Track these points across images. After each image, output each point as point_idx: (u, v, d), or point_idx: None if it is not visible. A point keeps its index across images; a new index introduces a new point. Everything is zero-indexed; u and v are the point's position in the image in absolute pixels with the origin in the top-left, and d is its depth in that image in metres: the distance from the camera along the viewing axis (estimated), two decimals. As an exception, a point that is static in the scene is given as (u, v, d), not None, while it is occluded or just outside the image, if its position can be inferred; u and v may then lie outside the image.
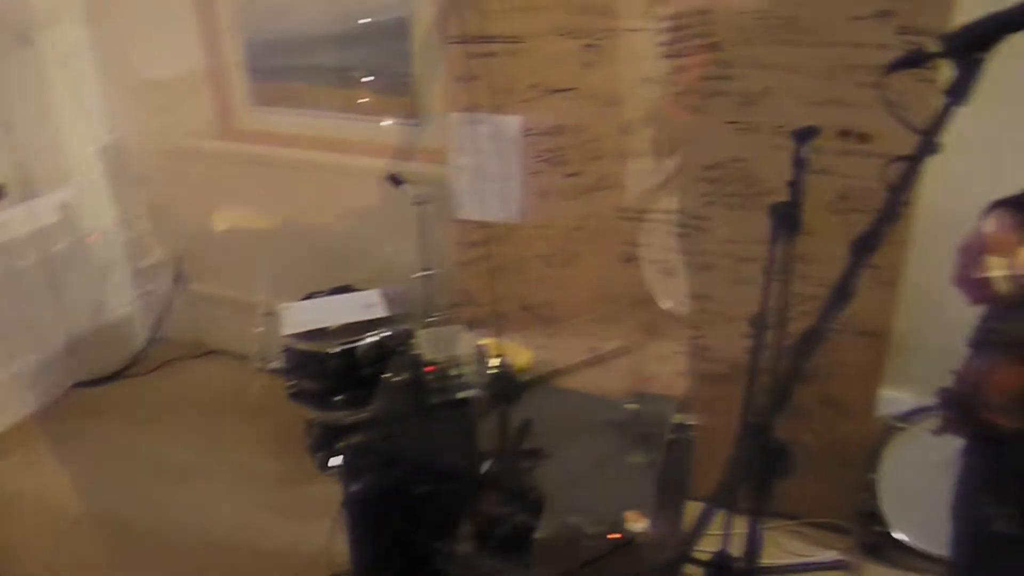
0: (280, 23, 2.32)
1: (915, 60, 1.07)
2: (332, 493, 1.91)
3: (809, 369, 1.18)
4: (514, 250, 2.35)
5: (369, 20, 2.41)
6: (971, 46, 1.01)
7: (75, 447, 2.60)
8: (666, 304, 2.33)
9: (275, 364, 2.47)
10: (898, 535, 2.09)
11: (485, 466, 1.75)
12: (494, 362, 1.96)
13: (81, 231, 2.83)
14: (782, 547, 2.20)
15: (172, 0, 2.55)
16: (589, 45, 2.13)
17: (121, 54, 2.64)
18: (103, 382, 2.92)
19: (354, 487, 1.78)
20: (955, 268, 1.24)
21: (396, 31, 2.34)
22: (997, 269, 1.19)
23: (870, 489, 2.12)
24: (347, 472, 1.80)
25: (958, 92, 1.02)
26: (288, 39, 2.50)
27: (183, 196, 2.80)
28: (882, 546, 2.13)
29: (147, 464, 2.51)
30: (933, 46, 1.03)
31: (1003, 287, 1.18)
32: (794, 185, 1.42)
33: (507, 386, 2.04)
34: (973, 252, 1.21)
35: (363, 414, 2.08)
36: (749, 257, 2.16)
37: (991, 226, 1.21)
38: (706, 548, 1.64)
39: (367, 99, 2.51)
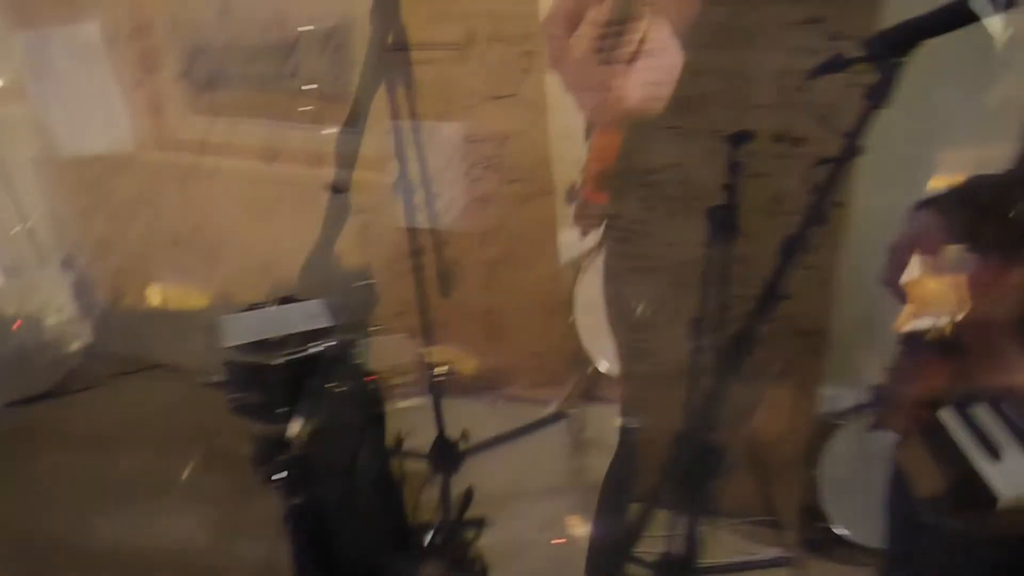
0: (218, 31, 2.27)
1: (837, 65, 1.10)
2: (276, 507, 1.87)
3: (745, 370, 1.19)
4: (456, 257, 2.35)
5: (311, 28, 2.38)
6: (890, 51, 1.04)
7: (7, 469, 2.52)
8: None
9: (216, 377, 2.41)
10: (839, 530, 2.13)
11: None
12: (439, 370, 1.95)
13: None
14: (726, 545, 2.23)
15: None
16: (527, 52, 2.13)
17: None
18: (36, 401, 2.83)
19: (295, 501, 1.75)
20: (884, 268, 1.26)
21: (336, 39, 2.31)
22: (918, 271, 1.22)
23: (812, 486, 2.16)
24: (288, 486, 1.78)
25: (878, 96, 1.05)
26: (227, 47, 2.45)
27: (117, 207, 2.73)
28: (824, 542, 2.18)
29: (86, 485, 2.44)
30: (854, 51, 1.06)
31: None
32: (730, 189, 1.44)
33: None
34: (899, 253, 1.23)
35: (306, 426, 2.06)
36: (690, 260, 2.20)
37: (915, 226, 1.23)
38: (651, 549, 1.67)
39: (309, 107, 2.47)
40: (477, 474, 2.26)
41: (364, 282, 2.37)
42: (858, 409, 2.07)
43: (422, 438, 2.23)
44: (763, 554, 2.17)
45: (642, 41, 0.72)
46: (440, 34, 2.16)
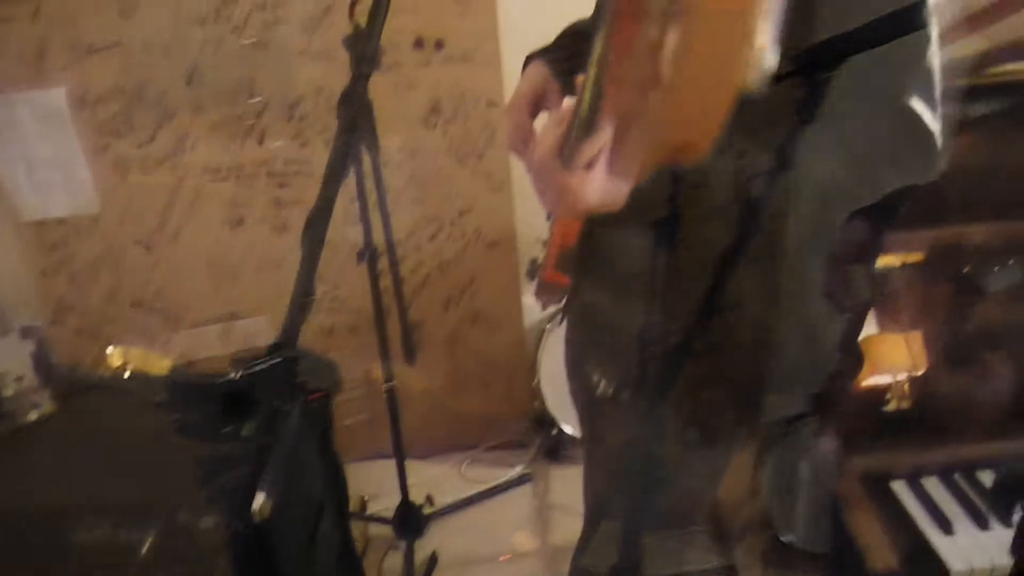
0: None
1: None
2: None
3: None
4: (104, 242, 2.24)
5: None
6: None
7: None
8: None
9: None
10: (569, 430, 2.12)
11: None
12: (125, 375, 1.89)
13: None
14: (468, 478, 2.22)
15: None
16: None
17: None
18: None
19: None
20: (508, 133, 1.19)
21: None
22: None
23: (536, 395, 2.14)
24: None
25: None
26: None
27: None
28: (558, 446, 2.16)
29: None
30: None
31: None
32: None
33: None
34: (517, 112, 1.19)
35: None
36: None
37: (530, 80, 1.20)
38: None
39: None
40: (441, 538, 2.25)
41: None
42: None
43: (385, 501, 2.21)
44: (506, 477, 2.15)
45: (603, 148, 0.74)
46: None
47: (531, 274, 1.32)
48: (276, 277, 2.41)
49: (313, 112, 2.22)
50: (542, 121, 1.22)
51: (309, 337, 1.18)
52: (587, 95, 0.63)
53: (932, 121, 0.94)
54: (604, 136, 0.74)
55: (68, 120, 2.13)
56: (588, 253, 1.16)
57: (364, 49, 1.05)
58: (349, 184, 2.22)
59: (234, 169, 2.27)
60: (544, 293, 1.27)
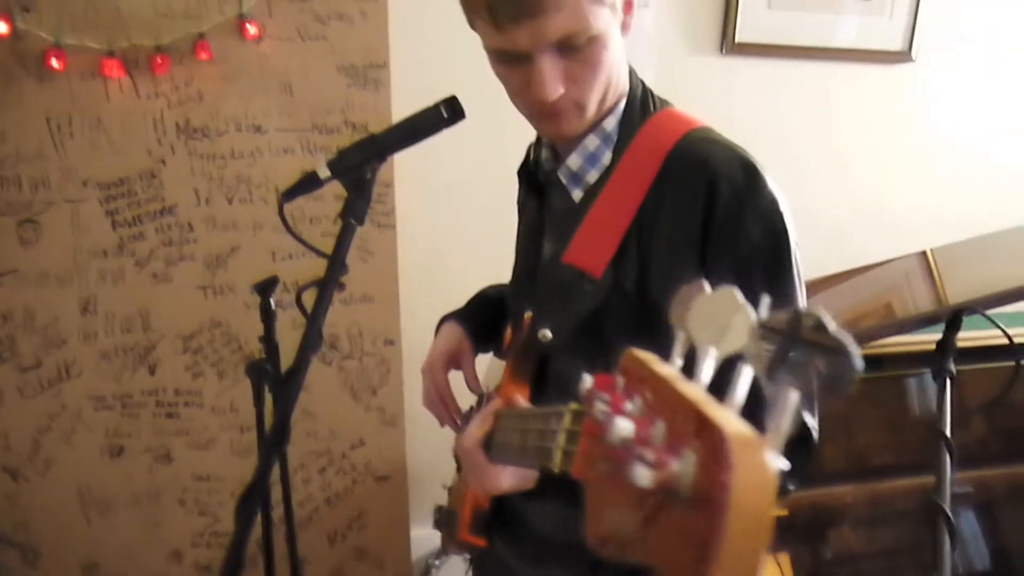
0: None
1: (308, 186, 1.12)
2: None
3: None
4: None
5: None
6: (355, 168, 1.08)
7: None
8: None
9: None
10: None
11: None
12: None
13: None
14: None
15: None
16: (26, 220, 2.12)
17: None
18: None
19: None
20: (424, 389, 1.33)
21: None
22: None
23: None
24: None
25: (353, 212, 1.08)
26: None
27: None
28: None
29: None
30: (322, 171, 1.09)
31: None
32: (267, 340, 1.42)
33: None
34: (435, 369, 1.30)
35: None
36: (250, 425, 2.08)
37: (445, 340, 1.32)
38: None
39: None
40: None
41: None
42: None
43: None
44: None
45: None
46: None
47: (437, 524, 1.31)
48: (155, 512, 2.30)
49: (209, 345, 2.24)
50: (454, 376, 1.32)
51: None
52: (560, 440, 0.64)
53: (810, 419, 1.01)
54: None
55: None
56: (503, 517, 1.19)
57: (308, 334, 1.11)
58: (242, 414, 2.21)
59: (122, 397, 2.23)
60: (456, 549, 1.28)
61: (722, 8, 2.42)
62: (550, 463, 0.64)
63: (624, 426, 0.44)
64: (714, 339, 0.47)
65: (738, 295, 0.46)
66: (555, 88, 0.97)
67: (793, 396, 0.40)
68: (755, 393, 0.43)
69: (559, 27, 0.93)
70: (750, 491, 0.37)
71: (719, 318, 0.46)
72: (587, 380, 0.53)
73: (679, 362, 0.50)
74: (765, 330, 0.42)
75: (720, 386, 0.44)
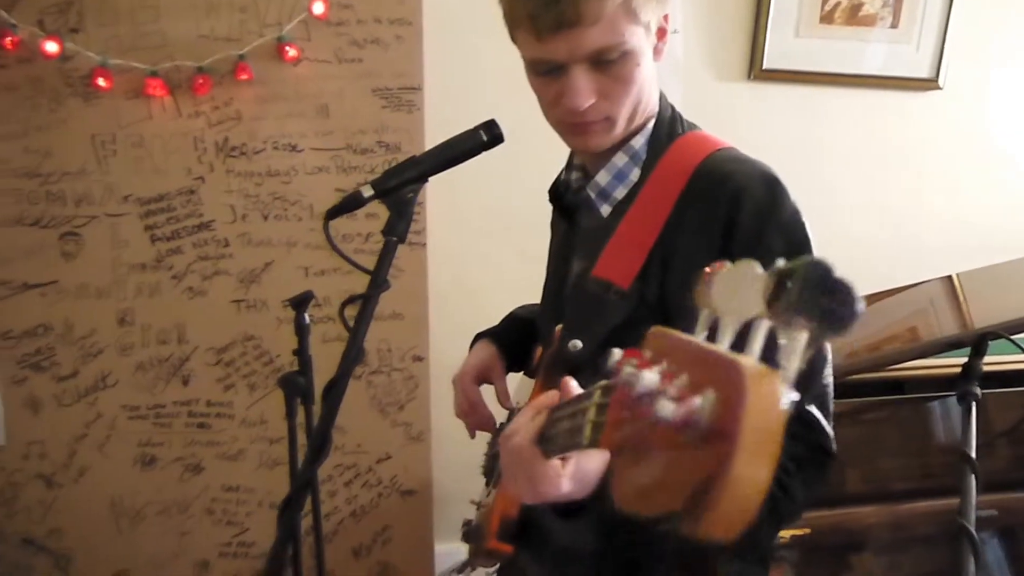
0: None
1: (352, 205, 1.16)
2: None
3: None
4: (3, 476, 2.23)
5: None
6: (397, 188, 1.12)
7: None
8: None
9: None
10: None
11: None
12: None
13: None
14: None
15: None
16: (68, 234, 2.18)
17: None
18: None
19: None
20: (456, 401, 1.37)
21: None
22: None
23: None
24: None
25: (395, 230, 1.12)
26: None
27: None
28: None
29: None
30: (366, 190, 1.14)
31: None
32: (301, 353, 1.48)
33: None
34: (466, 382, 1.35)
35: None
36: (279, 437, 2.20)
37: (478, 356, 1.36)
38: None
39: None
40: None
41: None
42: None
43: None
44: None
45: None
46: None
47: (466, 537, 1.34)
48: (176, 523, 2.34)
49: (240, 358, 2.28)
50: (485, 391, 1.36)
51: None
52: (591, 415, 0.66)
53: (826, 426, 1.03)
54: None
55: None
56: (531, 528, 1.20)
57: (350, 348, 1.15)
58: (271, 426, 2.26)
59: (154, 407, 2.28)
60: (483, 559, 1.30)
61: (750, 35, 2.46)
62: (580, 438, 0.67)
63: (651, 377, 0.49)
64: (735, 308, 0.51)
65: (756, 265, 0.50)
66: (586, 97, 1.02)
67: (803, 337, 0.45)
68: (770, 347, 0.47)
69: (595, 39, 0.98)
70: (762, 414, 0.42)
71: (740, 287, 0.50)
72: (616, 352, 0.57)
73: (703, 335, 0.54)
74: (780, 275, 0.47)
75: (740, 349, 0.48)
